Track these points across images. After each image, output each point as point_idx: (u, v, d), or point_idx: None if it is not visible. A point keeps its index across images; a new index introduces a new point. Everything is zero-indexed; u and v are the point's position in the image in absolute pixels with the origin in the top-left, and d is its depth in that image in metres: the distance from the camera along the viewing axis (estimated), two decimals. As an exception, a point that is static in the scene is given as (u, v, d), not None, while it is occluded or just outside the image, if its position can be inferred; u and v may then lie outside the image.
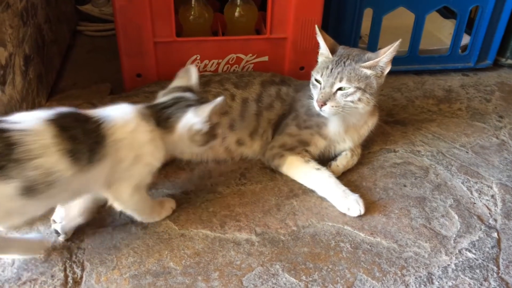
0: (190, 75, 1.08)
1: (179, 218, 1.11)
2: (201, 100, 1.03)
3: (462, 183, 1.26)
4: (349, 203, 1.13)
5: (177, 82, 1.09)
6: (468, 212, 1.16)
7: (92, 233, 1.07)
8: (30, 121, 0.85)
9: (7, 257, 0.99)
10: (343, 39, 1.59)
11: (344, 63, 1.15)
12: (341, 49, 1.20)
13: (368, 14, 1.61)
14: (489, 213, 1.16)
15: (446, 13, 1.91)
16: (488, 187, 1.24)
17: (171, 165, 1.27)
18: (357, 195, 1.14)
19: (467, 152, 1.37)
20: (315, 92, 1.18)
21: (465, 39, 1.75)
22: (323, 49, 1.20)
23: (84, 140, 0.88)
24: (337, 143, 1.27)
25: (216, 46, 1.42)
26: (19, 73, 1.22)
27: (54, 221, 1.05)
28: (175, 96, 1.03)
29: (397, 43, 1.13)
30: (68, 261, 1.00)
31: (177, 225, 1.10)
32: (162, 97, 1.05)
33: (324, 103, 1.14)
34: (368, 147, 1.37)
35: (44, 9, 1.50)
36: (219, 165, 1.29)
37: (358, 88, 1.14)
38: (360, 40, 1.73)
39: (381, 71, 1.16)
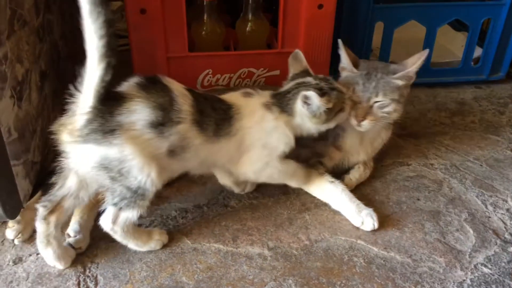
0: (300, 59, 1.16)
1: (191, 232, 1.12)
2: (321, 82, 1.08)
3: (477, 196, 1.24)
4: (363, 217, 1.13)
5: (292, 70, 1.16)
6: (483, 226, 1.15)
7: (105, 247, 1.07)
8: (178, 85, 1.00)
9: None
10: (354, 52, 1.61)
11: (376, 76, 1.16)
12: (363, 63, 1.22)
13: (379, 27, 1.61)
14: (505, 227, 1.15)
15: (458, 25, 1.91)
16: (503, 200, 1.23)
17: (184, 179, 1.27)
18: (370, 209, 1.14)
19: (481, 165, 1.36)
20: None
21: (478, 52, 1.75)
22: (346, 64, 1.21)
23: (211, 115, 1.00)
24: (351, 155, 1.27)
25: (228, 61, 1.43)
26: (35, 89, 1.24)
27: (69, 235, 1.06)
28: (296, 82, 1.11)
29: (425, 54, 1.15)
30: (81, 275, 1.00)
31: (190, 239, 1.10)
32: (285, 85, 1.13)
33: (364, 118, 1.15)
34: (381, 160, 1.36)
35: (59, 26, 1.53)
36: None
37: (393, 100, 1.16)
38: (371, 54, 1.73)
39: (409, 80, 1.18)
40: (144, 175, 0.93)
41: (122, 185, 0.93)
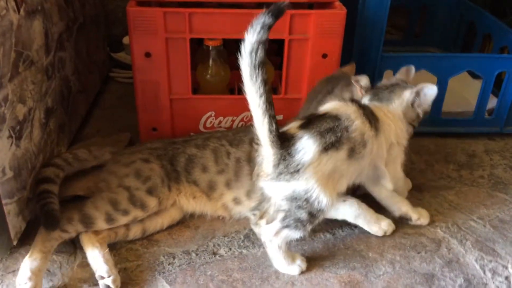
0: (409, 74, 1.28)
1: (175, 281, 1.11)
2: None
3: (476, 260, 1.19)
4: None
5: (398, 76, 1.29)
6: (479, 294, 1.10)
7: (88, 290, 1.08)
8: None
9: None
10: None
11: None
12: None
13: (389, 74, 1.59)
14: (502, 298, 1.09)
15: (475, 72, 1.86)
16: (503, 267, 1.17)
17: (177, 223, 1.27)
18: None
19: (484, 225, 1.31)
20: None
21: (493, 102, 1.70)
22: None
23: (366, 112, 1.12)
24: None
25: (231, 104, 1.44)
26: (38, 126, 1.27)
27: (102, 277, 1.07)
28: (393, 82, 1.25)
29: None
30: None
31: (173, 288, 1.09)
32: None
33: None
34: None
35: (73, 62, 1.57)
36: (225, 224, 1.29)
37: None
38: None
39: None
40: (327, 197, 1.04)
41: (306, 211, 1.05)
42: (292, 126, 1.10)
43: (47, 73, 1.34)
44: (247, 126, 1.45)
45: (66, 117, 1.51)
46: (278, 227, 1.09)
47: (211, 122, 1.45)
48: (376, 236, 1.26)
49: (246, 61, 0.97)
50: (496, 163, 1.58)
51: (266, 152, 1.05)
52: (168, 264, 1.16)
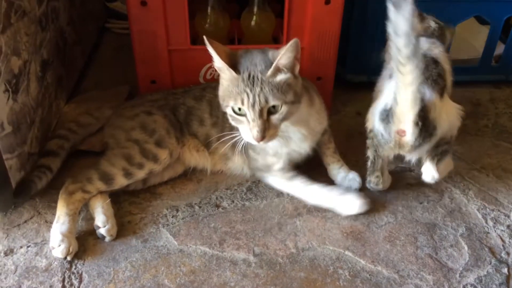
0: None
1: (179, 233, 1.12)
2: None
3: (478, 209, 1.20)
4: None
5: None
6: (480, 243, 1.11)
7: (93, 243, 1.09)
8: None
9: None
10: (367, 45, 1.55)
11: (258, 77, 0.99)
12: (243, 59, 1.03)
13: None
14: (502, 245, 1.10)
15: (483, 19, 1.80)
16: (505, 216, 1.18)
17: (180, 176, 1.27)
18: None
19: (487, 175, 1.30)
20: (242, 127, 1.04)
21: (500, 49, 1.66)
22: (221, 65, 1.02)
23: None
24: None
25: (231, 54, 1.40)
26: (35, 79, 1.24)
27: (98, 226, 1.09)
28: None
29: (293, 45, 0.98)
30: (67, 271, 1.02)
31: (177, 240, 1.10)
32: None
33: (263, 137, 1.01)
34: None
35: (67, 11, 1.52)
36: (227, 177, 1.28)
37: (286, 102, 1.01)
38: (387, 44, 1.66)
39: (292, 71, 1.02)
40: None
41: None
42: None
43: (40, 23, 1.29)
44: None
45: (63, 69, 1.47)
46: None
47: (211, 73, 1.42)
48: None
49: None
50: (501, 111, 1.56)
51: (409, 129, 1.05)
52: (172, 217, 1.16)
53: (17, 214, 1.15)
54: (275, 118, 1.02)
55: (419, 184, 1.27)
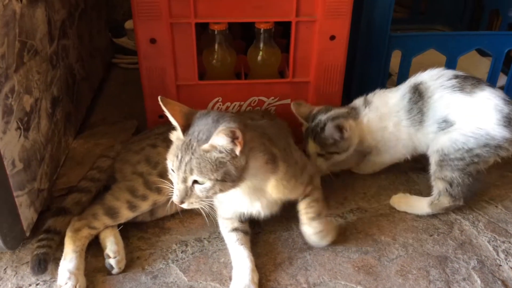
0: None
1: (189, 268, 1.11)
2: None
3: (489, 241, 1.19)
4: None
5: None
6: (492, 276, 1.10)
7: (102, 280, 1.08)
8: None
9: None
10: (370, 79, 1.57)
11: (192, 146, 0.94)
12: (198, 120, 0.99)
13: (398, 52, 1.56)
14: (516, 278, 1.09)
15: (484, 50, 1.84)
16: (517, 247, 1.17)
17: (188, 211, 1.27)
18: None
19: (496, 206, 1.30)
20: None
21: (503, 80, 1.68)
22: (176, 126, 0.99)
23: None
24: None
25: (238, 89, 1.42)
26: (45, 116, 1.26)
27: (108, 256, 1.09)
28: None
29: (221, 129, 0.90)
30: (77, 310, 1.01)
31: (187, 276, 1.09)
32: None
33: (182, 202, 0.98)
34: (391, 196, 1.32)
35: (76, 49, 1.55)
36: (235, 211, 1.28)
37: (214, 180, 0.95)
38: (390, 79, 1.69)
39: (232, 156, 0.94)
40: None
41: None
42: None
43: (51, 62, 1.32)
44: (253, 111, 1.44)
45: (72, 106, 1.49)
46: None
47: (218, 107, 1.44)
48: (388, 219, 1.26)
49: None
50: (506, 142, 1.56)
51: None
52: (181, 252, 1.16)
53: (26, 252, 1.14)
54: (198, 189, 0.97)
55: (428, 216, 1.27)
